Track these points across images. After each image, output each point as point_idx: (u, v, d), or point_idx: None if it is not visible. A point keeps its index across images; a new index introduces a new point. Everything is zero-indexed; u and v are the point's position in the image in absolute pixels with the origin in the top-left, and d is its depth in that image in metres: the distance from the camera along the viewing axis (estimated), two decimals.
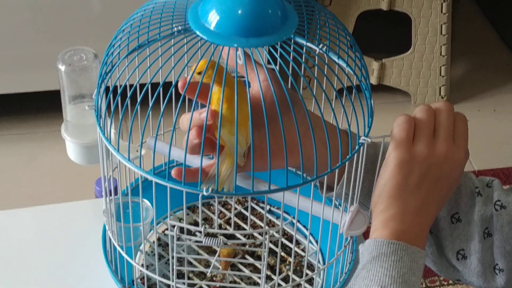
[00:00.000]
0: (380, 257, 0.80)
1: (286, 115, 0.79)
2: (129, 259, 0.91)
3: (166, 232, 1.07)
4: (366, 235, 0.89)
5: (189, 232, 1.04)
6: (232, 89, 0.78)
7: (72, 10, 2.22)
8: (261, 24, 0.79)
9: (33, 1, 2.18)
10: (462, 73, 2.82)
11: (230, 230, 0.79)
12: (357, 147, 0.82)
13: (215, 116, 0.78)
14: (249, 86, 0.84)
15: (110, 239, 0.94)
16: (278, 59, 0.82)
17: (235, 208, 1.09)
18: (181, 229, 1.00)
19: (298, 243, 1.07)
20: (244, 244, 1.03)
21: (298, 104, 0.82)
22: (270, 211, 1.11)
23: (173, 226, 0.81)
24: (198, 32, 0.79)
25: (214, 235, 0.80)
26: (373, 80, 2.58)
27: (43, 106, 2.44)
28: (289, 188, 0.77)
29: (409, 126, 0.85)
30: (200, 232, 0.79)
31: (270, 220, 1.09)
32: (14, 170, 2.32)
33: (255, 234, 1.04)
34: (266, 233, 0.81)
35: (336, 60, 0.84)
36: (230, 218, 1.08)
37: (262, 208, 1.10)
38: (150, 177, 0.78)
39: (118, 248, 0.92)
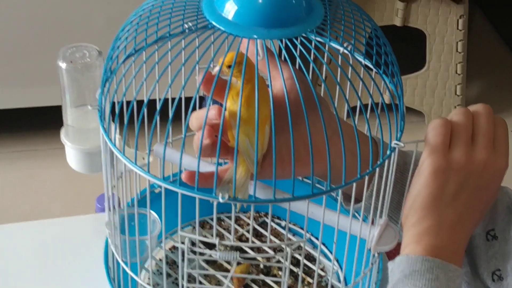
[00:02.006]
0: (413, 276, 0.75)
1: (310, 117, 0.73)
2: (134, 276, 0.86)
3: (176, 245, 1.03)
4: (389, 254, 0.82)
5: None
6: (253, 85, 0.70)
7: (73, 23, 2.21)
8: (284, 14, 0.73)
9: (32, 15, 2.18)
10: (478, 93, 2.83)
11: (249, 243, 0.72)
12: (388, 152, 0.75)
13: (226, 115, 0.71)
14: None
15: (113, 254, 0.89)
16: (303, 51, 0.76)
17: (248, 224, 1.03)
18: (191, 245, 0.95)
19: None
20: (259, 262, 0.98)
21: (323, 106, 0.77)
22: (285, 228, 1.06)
23: (183, 243, 0.75)
24: (214, 23, 0.74)
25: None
26: (386, 99, 2.53)
27: (42, 123, 2.45)
28: (314, 196, 0.72)
29: (445, 130, 0.79)
30: (209, 247, 0.72)
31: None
32: (13, 188, 2.33)
33: (269, 251, 0.99)
34: (288, 246, 0.74)
35: (362, 61, 0.79)
36: (243, 234, 1.04)
37: (277, 224, 1.06)
38: (159, 183, 0.72)
39: (122, 264, 0.87)
